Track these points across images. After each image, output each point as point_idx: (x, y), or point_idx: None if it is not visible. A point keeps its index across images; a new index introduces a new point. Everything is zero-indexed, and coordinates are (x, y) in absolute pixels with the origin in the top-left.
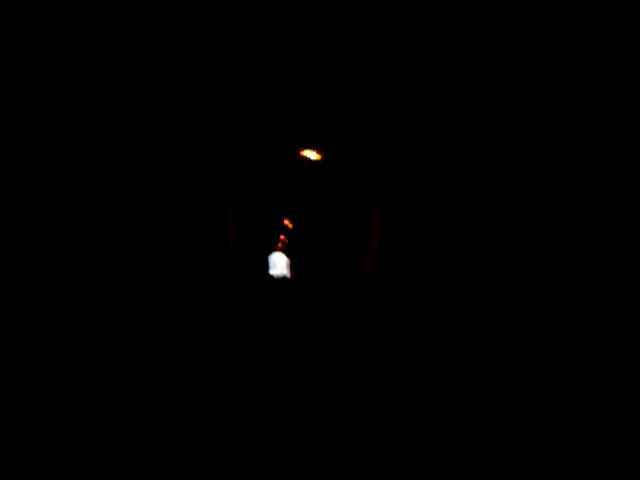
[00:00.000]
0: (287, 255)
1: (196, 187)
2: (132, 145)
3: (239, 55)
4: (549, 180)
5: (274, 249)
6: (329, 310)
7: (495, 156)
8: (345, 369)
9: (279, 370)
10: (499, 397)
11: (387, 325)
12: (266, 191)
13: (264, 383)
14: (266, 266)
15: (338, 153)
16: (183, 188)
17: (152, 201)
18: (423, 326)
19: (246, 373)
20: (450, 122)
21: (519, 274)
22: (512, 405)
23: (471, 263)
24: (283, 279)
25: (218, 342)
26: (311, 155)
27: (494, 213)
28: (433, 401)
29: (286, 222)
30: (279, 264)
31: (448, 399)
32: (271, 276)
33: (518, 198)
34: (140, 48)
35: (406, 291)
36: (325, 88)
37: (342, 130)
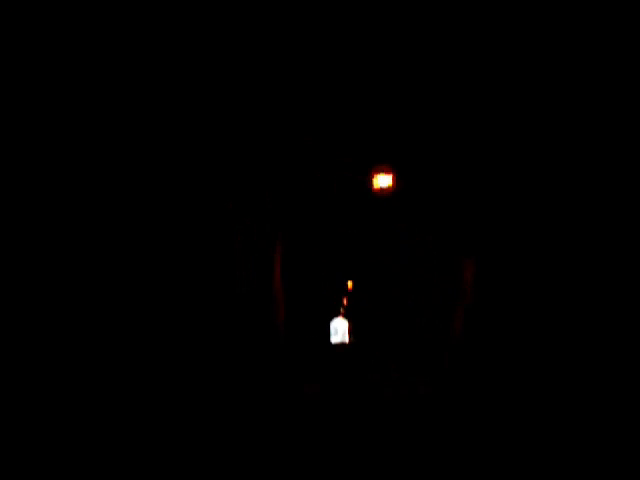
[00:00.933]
0: (349, 320)
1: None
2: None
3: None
4: None
5: (335, 313)
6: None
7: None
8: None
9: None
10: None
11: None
12: (327, 232)
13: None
14: (326, 333)
15: (418, 175)
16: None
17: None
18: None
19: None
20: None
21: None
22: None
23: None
24: (344, 346)
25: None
26: (384, 180)
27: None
28: None
29: (349, 284)
30: (340, 330)
31: None
32: (332, 344)
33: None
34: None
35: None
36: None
37: (422, 146)
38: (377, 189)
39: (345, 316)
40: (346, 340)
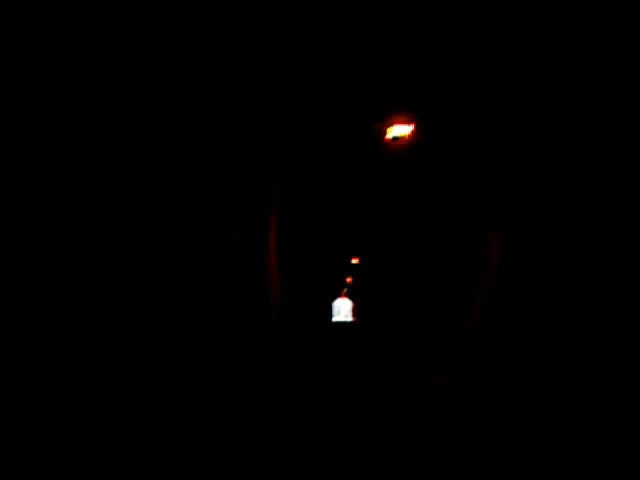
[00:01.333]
0: (353, 300)
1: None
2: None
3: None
4: None
5: (338, 293)
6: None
7: None
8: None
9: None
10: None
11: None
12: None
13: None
14: (329, 313)
15: (440, 125)
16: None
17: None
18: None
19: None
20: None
21: None
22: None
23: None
24: (348, 326)
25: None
26: (400, 131)
27: None
28: None
29: (355, 260)
30: (343, 310)
31: None
32: (334, 324)
33: None
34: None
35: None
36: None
37: (449, 88)
38: (390, 140)
39: (348, 296)
40: (349, 319)
